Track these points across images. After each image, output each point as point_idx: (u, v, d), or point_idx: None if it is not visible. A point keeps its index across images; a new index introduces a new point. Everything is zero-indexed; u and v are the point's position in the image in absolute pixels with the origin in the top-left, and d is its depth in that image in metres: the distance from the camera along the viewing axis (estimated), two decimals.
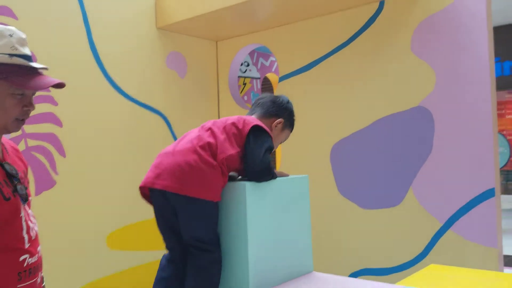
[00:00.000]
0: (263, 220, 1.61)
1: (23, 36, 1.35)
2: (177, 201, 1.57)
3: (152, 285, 3.16)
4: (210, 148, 1.59)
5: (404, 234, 3.00)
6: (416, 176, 2.97)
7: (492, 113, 2.72)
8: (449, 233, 2.84)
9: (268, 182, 1.65)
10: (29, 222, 1.43)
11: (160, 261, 1.71)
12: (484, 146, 2.72)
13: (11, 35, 1.32)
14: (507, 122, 10.16)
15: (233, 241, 1.60)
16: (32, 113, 2.87)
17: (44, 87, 1.35)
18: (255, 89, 5.05)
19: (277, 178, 1.73)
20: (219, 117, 4.09)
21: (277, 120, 1.82)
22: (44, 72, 1.41)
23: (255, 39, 3.86)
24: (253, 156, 1.60)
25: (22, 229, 1.38)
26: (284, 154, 3.65)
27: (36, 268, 1.44)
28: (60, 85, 1.39)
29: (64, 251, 2.84)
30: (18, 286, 1.35)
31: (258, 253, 1.58)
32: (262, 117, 1.82)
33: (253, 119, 1.74)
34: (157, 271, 1.71)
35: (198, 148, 1.58)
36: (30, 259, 1.40)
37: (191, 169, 1.54)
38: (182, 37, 3.80)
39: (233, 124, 1.70)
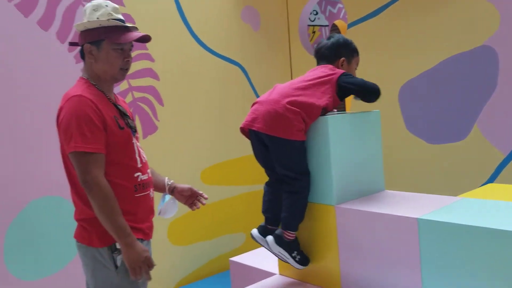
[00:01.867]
0: (342, 146, 1.96)
1: (116, 6, 1.83)
2: (268, 141, 1.97)
3: (234, 217, 3.69)
4: (295, 101, 1.94)
5: (470, 166, 3.24)
6: (481, 112, 3.17)
7: None
8: None
9: (344, 115, 1.99)
10: (139, 149, 1.88)
11: (263, 187, 2.12)
12: None
13: (107, 6, 1.79)
14: None
15: (320, 163, 1.97)
16: (135, 69, 3.36)
17: (135, 38, 1.81)
18: (324, 36, 5.26)
19: (353, 113, 2.06)
20: (291, 66, 4.41)
21: (340, 60, 2.10)
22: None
23: None
24: (355, 82, 1.95)
25: (134, 152, 1.84)
26: None
27: (147, 184, 1.89)
28: (146, 38, 1.85)
29: None
30: (136, 195, 1.81)
31: (340, 173, 1.95)
32: (331, 64, 2.12)
33: (337, 70, 2.04)
34: (263, 195, 2.12)
35: (284, 99, 1.94)
36: (142, 176, 1.85)
37: (277, 115, 1.93)
38: None
39: (321, 77, 1.99)
